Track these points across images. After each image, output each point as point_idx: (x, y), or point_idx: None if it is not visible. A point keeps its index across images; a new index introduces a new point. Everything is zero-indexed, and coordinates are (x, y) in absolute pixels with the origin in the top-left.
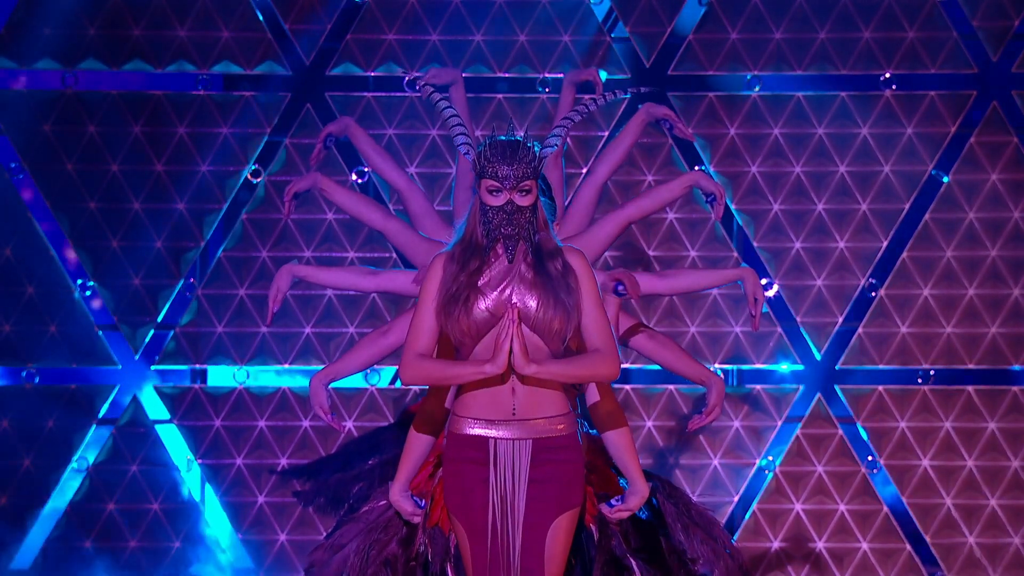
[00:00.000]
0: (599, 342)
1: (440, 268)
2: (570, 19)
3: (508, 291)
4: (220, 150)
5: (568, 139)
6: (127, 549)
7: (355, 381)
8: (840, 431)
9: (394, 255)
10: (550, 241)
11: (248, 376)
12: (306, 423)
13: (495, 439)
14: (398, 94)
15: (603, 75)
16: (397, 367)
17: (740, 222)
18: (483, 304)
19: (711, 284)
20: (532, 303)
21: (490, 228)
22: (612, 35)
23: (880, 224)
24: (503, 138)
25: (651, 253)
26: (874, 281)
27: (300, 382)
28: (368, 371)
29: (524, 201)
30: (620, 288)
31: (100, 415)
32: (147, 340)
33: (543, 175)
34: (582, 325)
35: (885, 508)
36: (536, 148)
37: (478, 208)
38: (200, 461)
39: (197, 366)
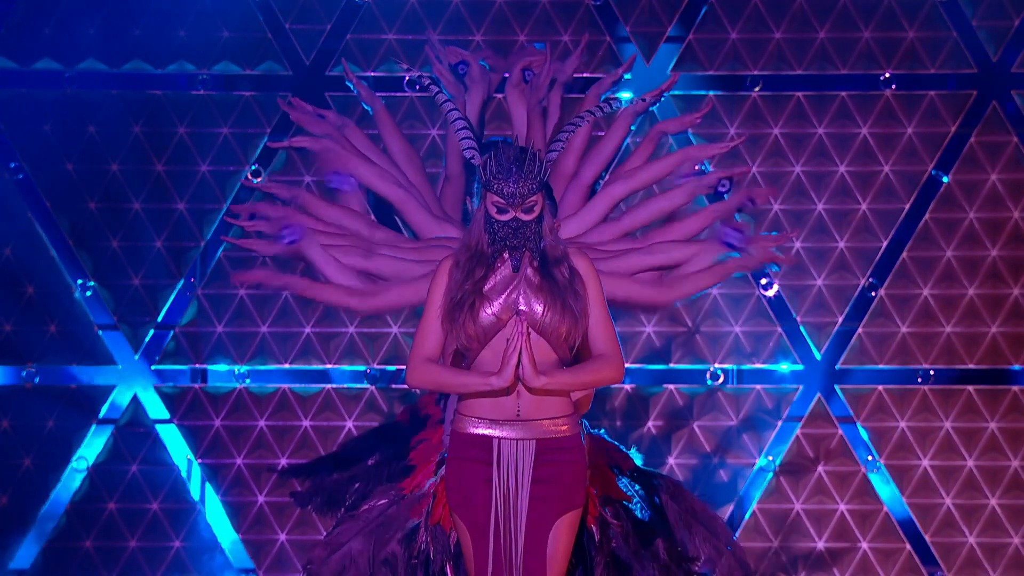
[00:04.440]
0: (604, 347)
1: (445, 275)
2: (570, 19)
3: (515, 295)
4: (220, 150)
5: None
6: (127, 549)
7: (355, 381)
8: (840, 431)
9: None
10: (556, 248)
11: (248, 376)
12: (306, 423)
13: (499, 439)
14: (398, 94)
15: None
16: (401, 367)
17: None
18: (489, 309)
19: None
20: (539, 307)
21: (495, 239)
22: (612, 35)
23: (880, 224)
24: (506, 140)
25: None
26: (874, 281)
27: (300, 382)
28: (368, 370)
29: (529, 216)
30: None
31: (100, 415)
32: (147, 340)
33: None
34: (588, 329)
35: (885, 508)
36: (542, 158)
37: (483, 218)
38: (200, 461)
39: (197, 366)
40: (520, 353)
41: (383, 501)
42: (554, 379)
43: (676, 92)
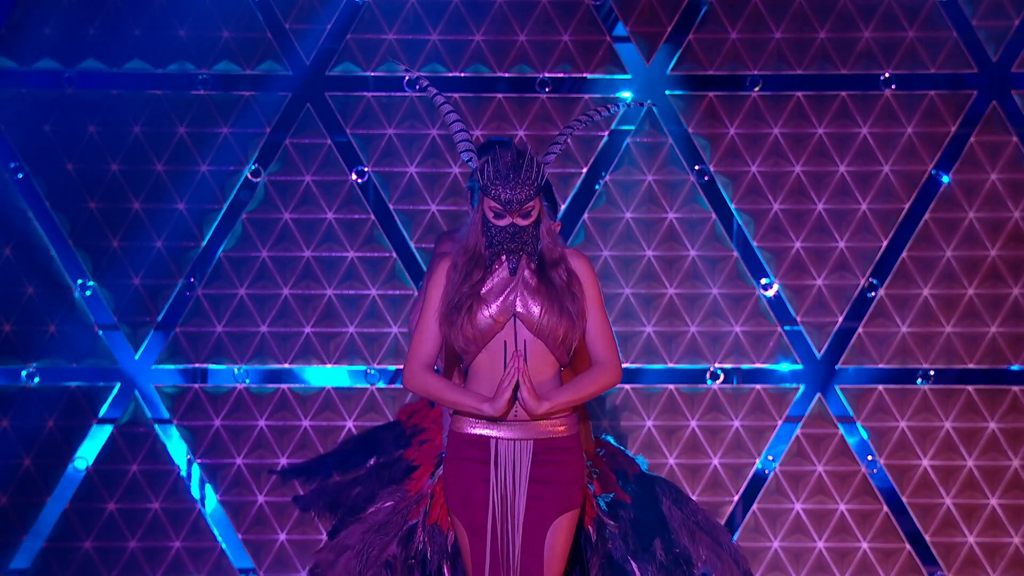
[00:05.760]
0: (602, 350)
1: (443, 276)
2: (570, 19)
3: (512, 297)
4: (220, 150)
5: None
6: (127, 549)
7: (355, 381)
8: (840, 431)
9: (394, 255)
10: (554, 250)
11: (248, 376)
12: (306, 423)
13: (496, 439)
14: (398, 94)
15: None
16: (401, 367)
17: (740, 222)
18: (487, 311)
19: None
20: (536, 309)
21: (493, 242)
22: (612, 35)
23: (880, 224)
24: (502, 139)
25: (651, 253)
26: (874, 281)
27: (300, 382)
28: (368, 370)
29: (527, 221)
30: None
31: (100, 415)
32: (147, 340)
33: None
34: (585, 331)
35: (885, 508)
36: (540, 162)
37: (480, 221)
38: (200, 461)
39: (197, 366)
40: (519, 383)
41: (389, 503)
42: (556, 401)
43: (676, 92)
